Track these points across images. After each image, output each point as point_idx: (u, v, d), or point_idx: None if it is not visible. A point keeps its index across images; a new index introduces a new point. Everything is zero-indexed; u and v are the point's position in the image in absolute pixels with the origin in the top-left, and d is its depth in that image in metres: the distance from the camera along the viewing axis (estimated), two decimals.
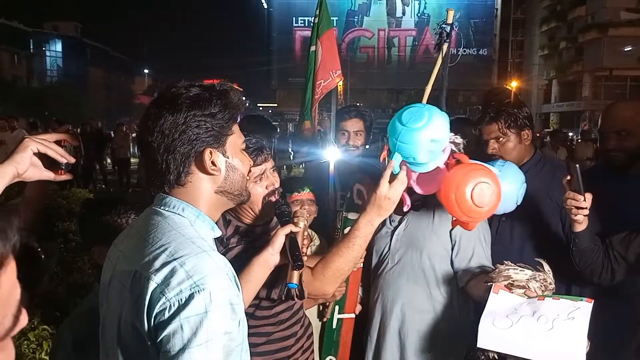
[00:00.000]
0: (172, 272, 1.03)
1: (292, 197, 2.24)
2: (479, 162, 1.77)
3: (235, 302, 1.08)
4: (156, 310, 1.01)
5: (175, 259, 1.05)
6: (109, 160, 15.39)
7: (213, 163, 1.17)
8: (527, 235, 2.26)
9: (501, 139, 2.28)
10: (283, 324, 1.76)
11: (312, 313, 2.31)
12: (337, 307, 2.28)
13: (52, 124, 12.23)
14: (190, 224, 1.16)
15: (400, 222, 2.26)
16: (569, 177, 1.88)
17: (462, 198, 1.63)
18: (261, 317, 1.71)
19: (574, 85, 38.04)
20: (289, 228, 1.53)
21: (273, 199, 1.71)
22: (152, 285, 1.03)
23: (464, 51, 40.50)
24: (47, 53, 57.03)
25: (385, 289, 2.23)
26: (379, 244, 2.32)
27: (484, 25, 40.59)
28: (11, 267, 0.59)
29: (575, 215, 1.87)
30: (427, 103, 1.82)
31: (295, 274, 1.52)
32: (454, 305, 2.17)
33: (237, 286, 1.14)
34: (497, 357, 1.72)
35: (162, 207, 1.18)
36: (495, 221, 2.32)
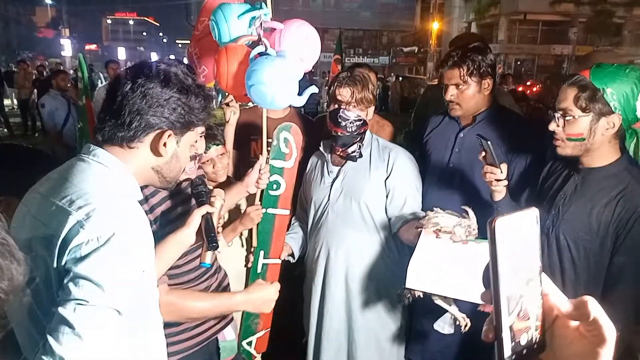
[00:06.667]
0: (95, 211, 1.04)
1: (203, 158, 2.14)
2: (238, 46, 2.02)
3: (146, 252, 1.13)
4: (72, 244, 1.01)
5: (98, 200, 1.07)
6: (12, 101, 14.04)
7: (164, 145, 1.24)
8: (467, 183, 2.26)
9: (461, 86, 2.20)
10: (193, 282, 1.76)
11: (238, 259, 2.31)
12: (262, 252, 2.27)
13: None
14: (113, 175, 1.18)
15: (338, 174, 2.28)
16: (483, 154, 1.88)
17: None
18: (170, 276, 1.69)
19: (490, 29, 39.27)
20: (205, 209, 1.57)
21: (192, 173, 1.74)
22: (72, 220, 1.02)
23: None
24: None
25: (329, 238, 2.27)
26: (317, 195, 2.33)
27: None
28: None
29: (495, 186, 1.89)
30: None
31: (209, 254, 1.60)
32: (393, 248, 2.25)
33: (152, 239, 1.17)
34: (422, 296, 1.81)
35: (89, 157, 1.19)
36: (437, 168, 2.34)
